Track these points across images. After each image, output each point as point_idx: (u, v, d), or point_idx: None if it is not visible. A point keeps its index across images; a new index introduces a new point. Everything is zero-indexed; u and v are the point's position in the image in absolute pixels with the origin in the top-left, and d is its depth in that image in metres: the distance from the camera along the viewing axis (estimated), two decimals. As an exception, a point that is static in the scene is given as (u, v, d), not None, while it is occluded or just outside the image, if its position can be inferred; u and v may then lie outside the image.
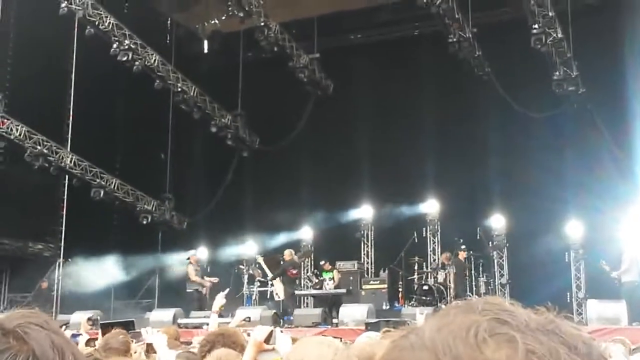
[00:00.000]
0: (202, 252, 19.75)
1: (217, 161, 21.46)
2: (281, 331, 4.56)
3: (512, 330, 0.73)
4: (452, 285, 16.10)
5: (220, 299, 7.02)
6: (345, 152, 19.54)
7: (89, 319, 10.24)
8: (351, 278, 17.25)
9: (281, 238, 19.40)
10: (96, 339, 6.92)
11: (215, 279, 16.91)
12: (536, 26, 15.91)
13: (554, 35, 15.99)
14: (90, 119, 18.56)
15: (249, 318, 13.54)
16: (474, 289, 16.42)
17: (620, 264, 13.85)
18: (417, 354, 0.74)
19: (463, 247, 16.47)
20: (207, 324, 9.21)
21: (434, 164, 18.03)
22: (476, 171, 17.91)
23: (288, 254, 16.68)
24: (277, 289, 16.73)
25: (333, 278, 16.68)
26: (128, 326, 7.60)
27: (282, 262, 16.70)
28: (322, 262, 17.18)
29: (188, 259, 17.23)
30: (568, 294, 16.27)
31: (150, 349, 6.40)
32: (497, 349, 0.71)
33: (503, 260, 17.42)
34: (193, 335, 9.92)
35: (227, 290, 7.54)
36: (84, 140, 18.71)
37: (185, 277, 16.95)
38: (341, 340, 6.65)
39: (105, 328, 6.80)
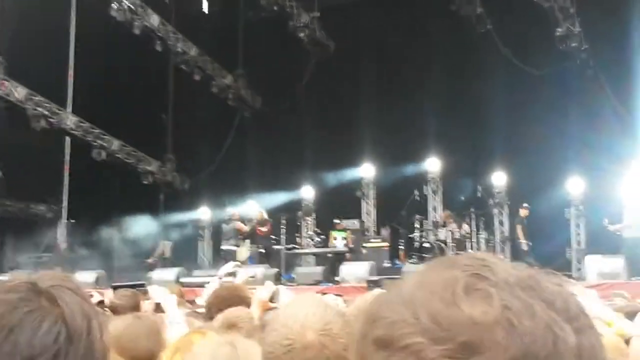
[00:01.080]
0: (204, 212, 19.87)
1: (219, 122, 21.44)
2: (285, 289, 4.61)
3: (489, 286, 0.73)
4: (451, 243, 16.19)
5: (227, 266, 6.92)
6: (346, 111, 19.49)
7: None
8: (353, 236, 17.35)
9: (283, 197, 19.49)
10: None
11: None
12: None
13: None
14: (91, 80, 18.50)
15: (254, 275, 13.66)
16: (475, 245, 16.50)
17: (622, 219, 13.91)
18: (396, 309, 0.75)
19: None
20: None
21: (436, 122, 17.98)
22: (478, 129, 17.87)
23: (258, 214, 17.05)
24: (238, 252, 16.98)
25: (346, 238, 16.84)
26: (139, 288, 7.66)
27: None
28: (337, 221, 17.33)
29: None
30: (568, 249, 16.36)
31: (158, 308, 6.47)
32: (473, 304, 0.72)
33: (503, 218, 17.49)
34: (196, 294, 10.01)
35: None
36: (85, 101, 18.68)
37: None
38: (342, 298, 6.72)
39: (117, 290, 6.88)
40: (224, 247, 17.30)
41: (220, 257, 16.89)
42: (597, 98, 16.78)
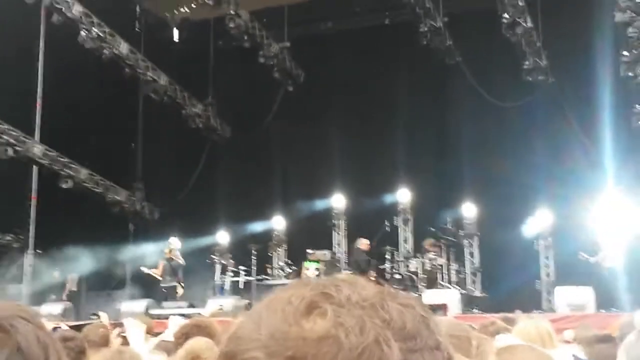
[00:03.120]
0: (174, 242, 19.67)
1: (189, 150, 21.33)
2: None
3: (329, 305, 0.77)
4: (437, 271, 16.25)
5: None
6: (316, 141, 19.52)
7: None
8: (324, 268, 17.26)
9: (253, 227, 19.39)
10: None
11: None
12: (506, 15, 16.02)
13: (524, 24, 16.12)
14: (59, 107, 18.30)
15: (222, 307, 13.58)
16: (445, 277, 16.52)
17: (597, 250, 14.03)
18: (245, 325, 0.80)
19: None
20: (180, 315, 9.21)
21: (406, 153, 18.10)
22: (448, 160, 18.02)
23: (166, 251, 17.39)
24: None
25: (318, 268, 16.79)
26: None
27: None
28: (310, 251, 17.29)
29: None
30: (537, 281, 16.46)
31: (125, 341, 6.37)
32: (309, 321, 0.76)
33: (473, 249, 17.57)
34: (166, 326, 9.86)
35: None
36: (53, 129, 18.46)
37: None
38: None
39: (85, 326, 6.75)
40: (163, 284, 17.17)
41: (163, 294, 16.84)
42: (563, 130, 17.06)
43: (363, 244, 16.81)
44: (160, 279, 17.17)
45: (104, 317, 10.08)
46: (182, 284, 17.21)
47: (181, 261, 17.40)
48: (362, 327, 0.75)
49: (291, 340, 0.75)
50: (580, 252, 14.13)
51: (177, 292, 17.08)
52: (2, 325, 1.09)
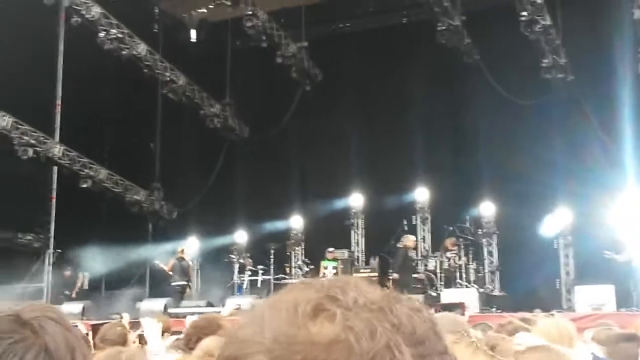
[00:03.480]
0: (192, 242, 19.81)
1: (207, 150, 21.41)
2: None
3: (337, 307, 0.75)
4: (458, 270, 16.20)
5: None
6: (334, 141, 19.52)
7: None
8: (342, 266, 17.28)
9: (271, 226, 19.44)
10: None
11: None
12: (525, 13, 15.92)
13: (543, 22, 16.00)
14: (79, 109, 18.46)
15: (240, 306, 13.63)
16: (464, 276, 16.46)
17: (623, 248, 13.90)
18: (247, 327, 0.77)
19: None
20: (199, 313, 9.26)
21: (424, 151, 18.04)
22: (466, 159, 17.95)
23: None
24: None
25: (336, 267, 16.81)
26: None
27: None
28: (330, 250, 17.28)
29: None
30: (557, 280, 16.35)
31: (142, 339, 6.42)
32: (317, 325, 0.74)
33: (492, 248, 17.48)
34: (184, 325, 9.92)
35: None
36: (73, 130, 18.62)
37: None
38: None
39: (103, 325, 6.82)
40: (173, 283, 17.42)
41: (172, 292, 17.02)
42: (583, 129, 16.91)
43: (410, 240, 16.53)
44: (170, 273, 17.39)
45: (125, 318, 10.14)
46: (190, 284, 17.39)
47: (191, 263, 17.61)
48: (372, 331, 0.74)
49: (298, 344, 0.73)
50: (605, 250, 13.98)
51: (185, 292, 17.23)
52: (32, 325, 1.11)
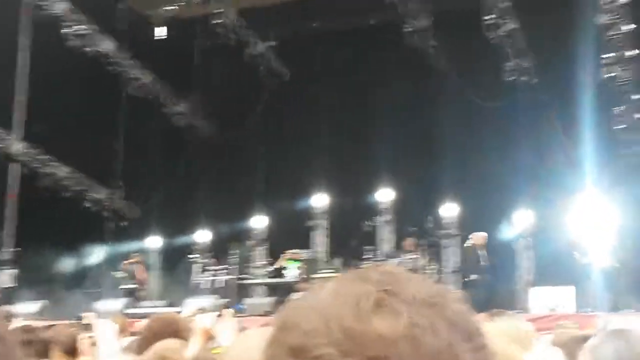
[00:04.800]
0: (154, 241, 19.65)
1: (171, 149, 21.23)
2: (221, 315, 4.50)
3: (398, 303, 0.77)
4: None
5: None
6: (299, 141, 19.49)
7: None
8: (305, 266, 17.24)
9: (234, 226, 19.35)
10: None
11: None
12: (490, 16, 16.06)
13: (508, 25, 16.16)
14: (40, 105, 18.18)
15: (203, 309, 13.54)
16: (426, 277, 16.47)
17: (586, 251, 14.04)
18: (311, 318, 0.78)
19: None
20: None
21: (388, 152, 18.07)
22: (430, 160, 18.02)
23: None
24: None
25: (300, 268, 16.76)
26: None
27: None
28: (292, 251, 17.25)
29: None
30: (517, 281, 16.50)
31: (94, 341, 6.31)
32: (382, 320, 0.75)
33: (454, 248, 17.58)
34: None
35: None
36: (33, 127, 18.34)
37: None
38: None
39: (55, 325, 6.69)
40: (122, 287, 17.48)
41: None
42: (546, 131, 17.10)
43: (480, 238, 15.65)
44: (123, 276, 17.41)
45: (88, 318, 9.98)
46: (139, 287, 17.38)
47: (142, 266, 17.71)
48: (434, 328, 0.76)
49: (367, 339, 0.74)
50: (574, 252, 14.10)
51: (137, 294, 17.16)
52: None
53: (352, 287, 0.80)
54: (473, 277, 15.42)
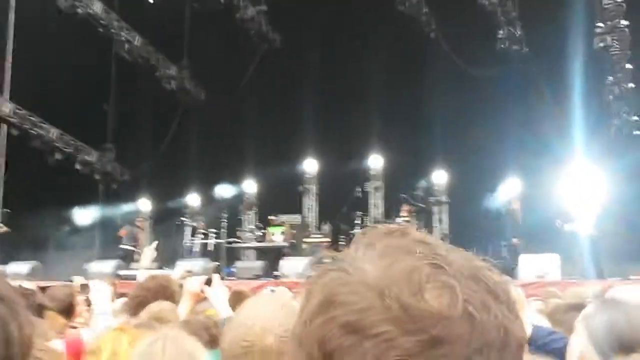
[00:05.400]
0: (144, 204, 19.66)
1: (162, 113, 21.13)
2: (210, 280, 4.54)
3: (449, 278, 0.76)
4: None
5: (150, 252, 6.83)
6: (291, 106, 19.44)
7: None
8: (294, 231, 17.35)
9: (224, 190, 19.38)
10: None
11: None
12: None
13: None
14: (30, 66, 18.03)
15: (191, 271, 13.62)
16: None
17: (571, 218, 14.16)
18: (363, 294, 0.76)
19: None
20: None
21: (379, 119, 18.11)
22: (420, 128, 18.05)
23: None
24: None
25: (284, 233, 16.80)
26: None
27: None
28: (273, 217, 17.26)
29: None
30: (504, 248, 16.66)
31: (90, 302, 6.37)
32: (438, 296, 0.75)
33: (443, 215, 17.72)
34: (134, 287, 9.88)
35: (156, 243, 7.26)
36: (23, 88, 18.21)
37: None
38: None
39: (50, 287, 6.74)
40: (120, 246, 17.35)
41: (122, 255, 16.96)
42: (535, 99, 17.14)
43: (517, 202, 15.65)
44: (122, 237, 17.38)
45: (77, 281, 10.05)
46: (136, 251, 17.39)
47: (143, 231, 17.63)
48: (485, 304, 0.76)
49: (429, 317, 0.74)
50: (556, 219, 14.24)
51: (131, 257, 17.16)
52: None
53: (400, 261, 0.78)
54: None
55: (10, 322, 1.04)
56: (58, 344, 3.83)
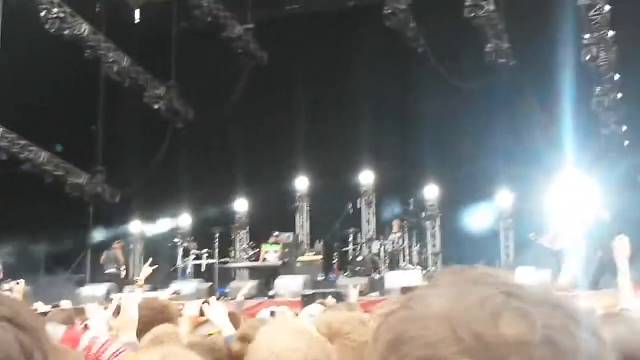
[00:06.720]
0: (136, 226, 19.55)
1: (151, 133, 21.05)
2: (208, 302, 4.54)
3: (525, 305, 0.74)
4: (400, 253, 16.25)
5: (146, 270, 6.77)
6: (280, 124, 19.46)
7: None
8: (286, 250, 17.28)
9: (216, 210, 19.30)
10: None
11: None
12: (470, -2, 16.06)
13: (487, 7, 16.17)
14: (19, 90, 17.95)
15: (179, 292, 13.55)
16: (408, 258, 16.63)
17: (546, 231, 14.19)
18: (431, 326, 0.74)
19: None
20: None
21: (369, 135, 18.13)
22: (411, 142, 18.09)
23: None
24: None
25: (278, 251, 16.75)
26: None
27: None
28: (276, 234, 17.21)
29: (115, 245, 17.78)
30: (498, 262, 16.66)
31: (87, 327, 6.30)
32: (513, 324, 0.72)
33: (435, 230, 17.71)
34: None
35: (151, 260, 7.17)
36: (12, 111, 18.11)
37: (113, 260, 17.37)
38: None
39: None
40: (106, 272, 17.43)
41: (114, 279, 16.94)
42: (524, 112, 17.22)
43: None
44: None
45: (65, 305, 9.95)
46: (122, 270, 17.38)
47: (121, 250, 17.88)
48: (567, 329, 0.74)
49: (506, 345, 0.71)
50: (532, 232, 14.28)
51: (121, 278, 17.14)
52: None
53: (470, 291, 0.75)
54: None
55: (34, 352, 0.99)
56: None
